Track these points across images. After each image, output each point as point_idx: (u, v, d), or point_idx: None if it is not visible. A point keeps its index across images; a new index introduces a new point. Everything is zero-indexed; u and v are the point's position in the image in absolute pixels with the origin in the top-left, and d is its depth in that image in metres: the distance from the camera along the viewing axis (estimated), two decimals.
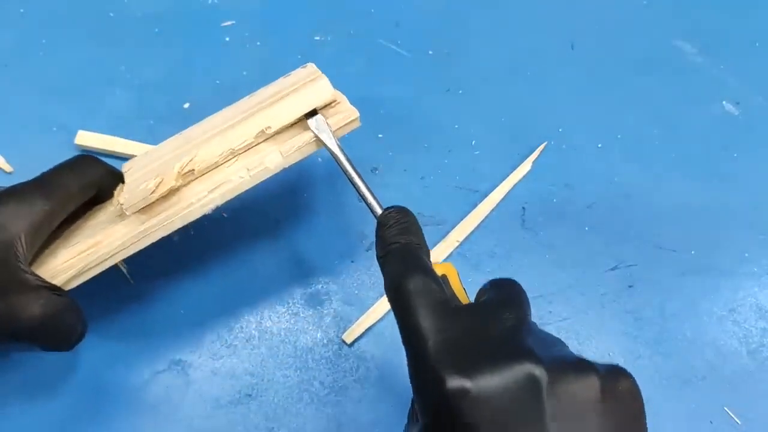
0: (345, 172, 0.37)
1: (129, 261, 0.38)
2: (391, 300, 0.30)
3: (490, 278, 0.32)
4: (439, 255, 0.45)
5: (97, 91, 0.50)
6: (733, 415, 0.41)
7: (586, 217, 0.47)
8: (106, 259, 0.36)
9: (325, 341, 0.42)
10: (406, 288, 0.29)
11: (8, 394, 0.40)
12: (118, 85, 0.50)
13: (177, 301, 0.43)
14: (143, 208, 0.36)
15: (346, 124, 0.38)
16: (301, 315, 0.43)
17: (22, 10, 0.53)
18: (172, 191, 0.36)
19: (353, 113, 0.38)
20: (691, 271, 0.46)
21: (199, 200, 0.36)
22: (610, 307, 0.44)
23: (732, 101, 0.53)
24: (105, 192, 0.38)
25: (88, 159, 0.38)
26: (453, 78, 0.52)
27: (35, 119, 0.48)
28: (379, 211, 0.35)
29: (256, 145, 0.37)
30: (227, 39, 0.53)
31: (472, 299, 0.32)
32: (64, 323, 0.35)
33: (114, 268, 0.37)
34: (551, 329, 0.41)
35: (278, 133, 0.37)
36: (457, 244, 0.45)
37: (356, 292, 0.44)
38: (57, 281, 0.35)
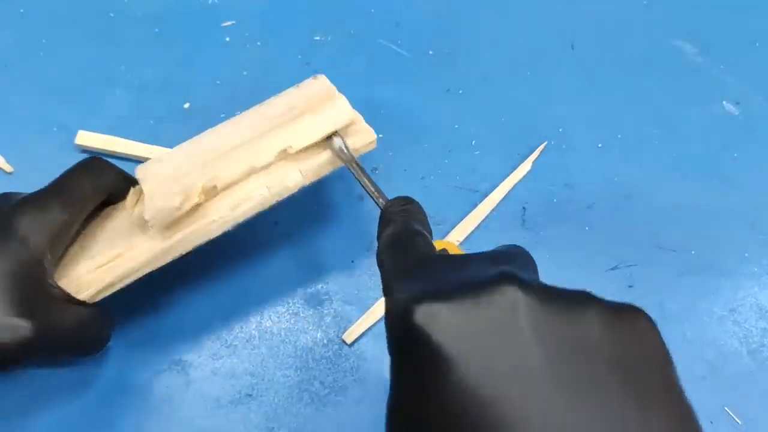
0: (366, 190, 0.37)
1: None
2: (378, 254, 0.30)
3: None
4: None
5: (97, 91, 0.50)
6: (733, 415, 0.41)
7: (586, 217, 0.47)
8: (130, 275, 0.36)
9: (325, 341, 0.42)
10: (396, 239, 0.30)
11: (8, 394, 0.39)
12: (118, 85, 0.50)
13: (177, 301, 0.43)
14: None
15: (363, 146, 0.39)
16: (302, 315, 0.43)
17: (22, 10, 0.53)
18: (195, 207, 0.37)
19: (371, 135, 0.39)
20: (691, 271, 0.46)
21: (222, 218, 0.37)
22: None
23: (732, 101, 0.53)
24: (116, 195, 0.38)
25: (100, 162, 0.38)
26: (453, 78, 0.52)
27: (35, 119, 0.48)
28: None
29: (275, 162, 0.38)
30: (227, 39, 0.53)
31: None
32: (95, 332, 0.37)
33: None
34: None
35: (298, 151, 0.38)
36: (457, 244, 0.45)
37: (356, 292, 0.44)
38: (81, 297, 0.35)
